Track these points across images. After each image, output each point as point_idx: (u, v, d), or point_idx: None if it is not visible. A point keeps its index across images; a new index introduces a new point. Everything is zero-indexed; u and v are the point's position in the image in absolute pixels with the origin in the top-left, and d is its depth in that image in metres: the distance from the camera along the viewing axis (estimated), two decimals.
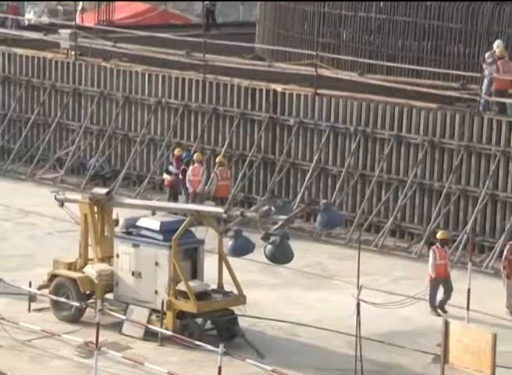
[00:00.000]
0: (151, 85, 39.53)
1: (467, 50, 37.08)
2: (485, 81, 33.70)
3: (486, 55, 34.08)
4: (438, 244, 28.08)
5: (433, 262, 27.66)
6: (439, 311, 27.59)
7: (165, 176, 36.45)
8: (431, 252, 28.01)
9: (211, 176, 36.01)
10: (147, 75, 39.77)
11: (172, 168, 36.32)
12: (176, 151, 36.64)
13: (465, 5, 37.47)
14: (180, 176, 36.12)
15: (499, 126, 32.71)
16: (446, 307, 27.57)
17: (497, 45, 33.89)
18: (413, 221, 34.36)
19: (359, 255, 22.70)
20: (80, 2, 49.03)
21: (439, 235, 28.43)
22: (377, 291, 27.05)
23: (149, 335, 25.79)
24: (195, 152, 36.66)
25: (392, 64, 37.18)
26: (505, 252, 28.07)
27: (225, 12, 56.76)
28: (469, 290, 25.74)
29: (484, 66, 33.91)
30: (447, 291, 27.65)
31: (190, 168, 35.72)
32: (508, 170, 32.60)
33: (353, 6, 39.94)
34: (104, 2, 48.79)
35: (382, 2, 39.58)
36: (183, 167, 36.34)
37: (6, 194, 38.50)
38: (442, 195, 33.50)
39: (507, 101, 33.50)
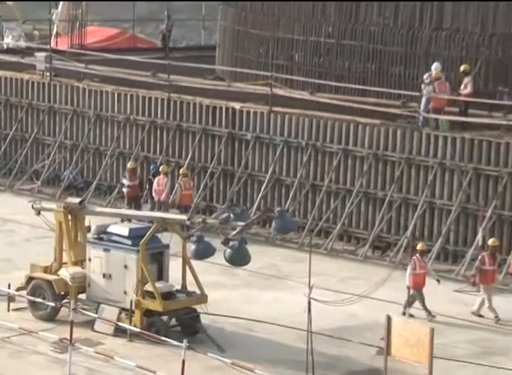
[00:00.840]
0: (120, 103, 39.48)
1: (407, 71, 37.20)
2: (424, 100, 33.85)
3: (424, 76, 34.27)
4: (417, 254, 27.86)
5: (411, 272, 27.45)
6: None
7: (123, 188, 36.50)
8: (411, 262, 27.79)
9: (176, 187, 36.04)
10: (116, 94, 39.70)
11: (124, 181, 36.28)
12: (129, 165, 36.61)
13: (405, 31, 37.62)
14: (147, 186, 36.18)
15: (436, 140, 32.88)
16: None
17: (434, 67, 34.07)
18: (359, 226, 34.44)
19: (310, 257, 22.79)
20: (55, 27, 48.76)
21: (419, 246, 28.26)
22: (326, 290, 27.06)
23: (119, 332, 25.71)
24: (161, 164, 36.61)
25: (339, 84, 37.27)
26: (477, 263, 28.01)
27: (188, 37, 56.78)
28: (408, 288, 25.92)
29: (422, 86, 34.04)
30: (421, 296, 27.54)
31: (156, 179, 35.67)
32: (444, 180, 32.80)
33: (305, 31, 39.96)
34: (77, 27, 48.72)
35: (330, 27, 39.62)
36: (149, 178, 36.39)
37: None
38: (385, 203, 33.63)
39: (443, 118, 33.68)
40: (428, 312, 27.45)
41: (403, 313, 27.16)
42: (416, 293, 27.35)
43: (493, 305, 27.40)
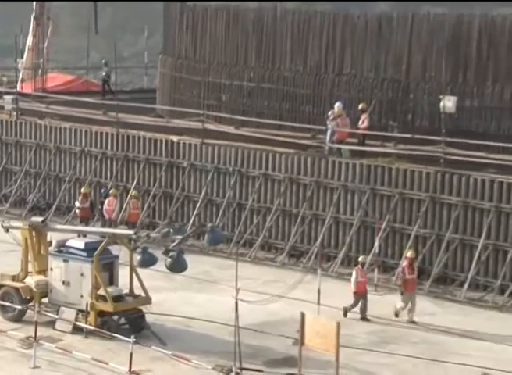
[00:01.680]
0: (77, 137, 39.17)
1: (315, 109, 37.38)
2: (329, 133, 34.03)
3: (329, 113, 34.44)
4: (359, 265, 27.82)
5: (355, 280, 27.42)
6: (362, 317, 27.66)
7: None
8: (353, 272, 27.74)
9: (125, 206, 35.93)
10: (73, 130, 39.38)
11: (77, 203, 35.93)
12: (82, 190, 36.29)
13: (313, 75, 37.83)
14: (99, 207, 36.00)
15: (340, 166, 33.07)
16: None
17: (337, 106, 34.25)
18: (277, 238, 34.44)
19: (237, 264, 22.65)
20: (20, 74, 48.39)
21: (360, 259, 28.25)
22: (251, 292, 26.96)
23: (76, 330, 25.54)
24: (111, 188, 36.43)
25: (260, 120, 37.29)
26: (400, 274, 27.94)
27: (133, 81, 56.57)
28: (319, 289, 25.93)
29: (327, 121, 34.21)
30: (364, 302, 27.52)
31: (107, 200, 35.45)
32: (346, 199, 32.96)
33: (230, 76, 40.07)
34: (39, 74, 48.42)
35: (251, 73, 39.77)
36: (101, 200, 36.20)
37: None
38: (299, 218, 33.66)
39: (345, 147, 33.88)
40: (345, 312, 27.53)
41: (345, 314, 27.53)
42: (359, 298, 27.41)
43: (414, 308, 27.39)
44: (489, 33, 34.97)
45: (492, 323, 27.87)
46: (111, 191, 35.90)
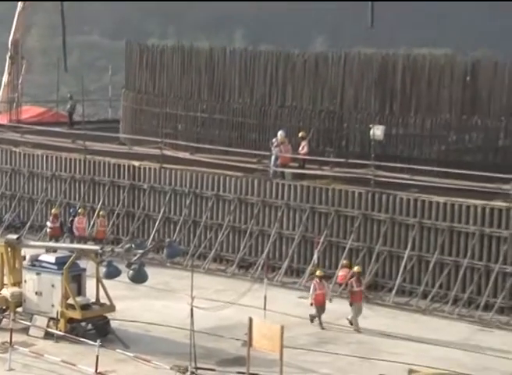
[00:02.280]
0: (48, 163, 38.90)
1: (261, 137, 37.43)
2: (273, 158, 34.09)
3: (273, 140, 34.51)
4: (317, 279, 27.48)
5: (313, 293, 27.18)
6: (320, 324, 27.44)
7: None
8: (312, 285, 27.50)
9: (92, 224, 35.71)
10: (44, 156, 39.06)
11: (48, 223, 35.50)
12: (52, 211, 35.87)
13: (259, 107, 37.90)
14: (69, 225, 35.73)
15: (283, 187, 33.14)
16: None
17: (280, 134, 34.29)
18: (228, 251, 34.37)
19: (192, 275, 22.69)
20: None
21: (317, 273, 27.94)
22: (205, 300, 26.83)
23: (48, 335, 25.29)
24: (79, 208, 36.20)
25: (212, 147, 37.30)
26: (349, 287, 27.60)
27: (99, 113, 56.41)
28: (265, 297, 25.95)
29: (272, 147, 34.29)
30: (321, 311, 27.30)
31: (76, 218, 35.19)
32: (289, 216, 33.03)
33: (186, 108, 40.07)
34: (14, 107, 48.15)
35: (204, 105, 39.79)
36: (71, 218, 35.92)
37: None
38: (247, 234, 33.69)
39: (287, 170, 33.95)
40: (312, 319, 27.41)
41: (312, 320, 27.46)
42: (317, 308, 27.20)
43: (356, 317, 27.18)
44: (412, 70, 35.33)
45: (416, 324, 28.09)
46: (80, 210, 35.65)
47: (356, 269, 28.09)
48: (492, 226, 29.31)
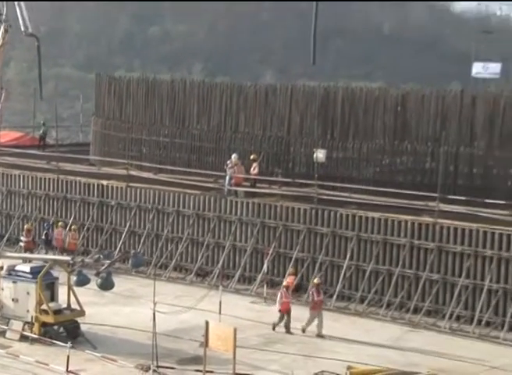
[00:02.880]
0: (24, 182, 38.50)
1: (217, 159, 37.44)
2: (227, 178, 34.09)
3: (228, 162, 34.48)
4: (283, 288, 27.24)
5: (280, 301, 26.95)
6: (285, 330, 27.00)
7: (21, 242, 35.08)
8: (279, 294, 27.22)
9: (64, 237, 35.24)
10: (21, 176, 38.68)
11: (22, 238, 34.79)
12: (26, 226, 35.28)
13: (215, 132, 37.98)
14: (43, 237, 35.33)
15: (236, 204, 33.13)
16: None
17: (233, 157, 34.27)
18: (187, 261, 34.20)
19: (154, 283, 22.71)
20: None
21: (284, 283, 27.79)
22: (166, 305, 26.67)
23: (23, 338, 24.99)
24: (53, 223, 35.90)
25: (173, 168, 37.22)
26: (310, 297, 27.26)
27: (71, 137, 56.00)
28: (220, 302, 25.84)
29: (226, 169, 34.28)
30: (288, 318, 26.97)
31: (56, 231, 34.90)
32: (242, 230, 33.01)
33: (149, 133, 39.98)
34: None
35: (166, 130, 39.73)
36: (45, 232, 35.54)
37: None
38: (204, 245, 33.60)
39: (240, 189, 33.93)
40: (288, 329, 26.96)
41: (273, 328, 27.11)
42: (283, 315, 26.91)
43: (321, 324, 26.81)
44: (350, 100, 35.61)
45: (354, 326, 28.17)
46: (60, 224, 35.35)
47: (316, 280, 27.79)
48: (420, 239, 29.50)
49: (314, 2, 40.29)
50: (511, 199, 30.41)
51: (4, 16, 36.07)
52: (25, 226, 35.43)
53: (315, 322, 26.86)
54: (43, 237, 35.55)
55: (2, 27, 36.02)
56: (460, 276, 28.67)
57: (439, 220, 29.26)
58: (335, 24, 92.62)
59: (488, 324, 27.85)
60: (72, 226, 35.53)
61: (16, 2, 41.69)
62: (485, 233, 28.38)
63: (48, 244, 35.18)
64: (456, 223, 29.01)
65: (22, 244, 34.69)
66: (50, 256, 29.69)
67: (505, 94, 34.20)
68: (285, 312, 27.05)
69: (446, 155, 32.50)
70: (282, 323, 27.08)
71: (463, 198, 30.50)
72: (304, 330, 26.94)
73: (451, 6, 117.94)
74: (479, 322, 27.89)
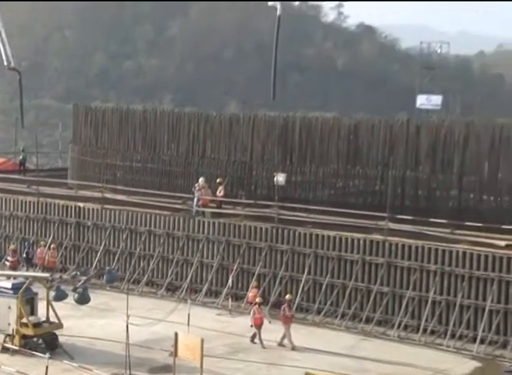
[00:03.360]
0: (6, 204, 38.01)
1: (185, 183, 37.36)
2: (195, 200, 33.96)
3: (195, 185, 34.37)
4: (256, 305, 26.89)
5: (253, 316, 26.55)
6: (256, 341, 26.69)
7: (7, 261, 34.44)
8: (252, 310, 26.80)
9: (45, 255, 34.75)
10: (3, 199, 38.17)
11: (9, 257, 34.19)
12: (11, 247, 34.86)
13: (184, 158, 37.93)
14: (24, 256, 34.79)
15: (203, 223, 32.96)
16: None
17: (201, 180, 34.21)
18: (158, 277, 33.91)
19: (127, 297, 22.53)
20: None
21: (257, 300, 27.31)
22: (138, 317, 26.43)
23: (4, 350, 24.63)
24: (33, 242, 35.52)
25: (145, 190, 36.88)
26: (281, 312, 26.84)
27: (50, 163, 55.54)
28: (189, 314, 25.64)
29: (194, 191, 34.18)
30: (259, 331, 26.59)
31: (39, 250, 34.45)
32: (209, 247, 32.81)
33: (123, 158, 39.75)
34: None
35: (139, 156, 39.59)
36: (26, 250, 35.05)
37: None
38: (174, 262, 33.37)
39: (207, 210, 33.81)
40: (261, 342, 26.56)
41: (252, 340, 26.69)
42: (257, 329, 26.59)
43: (291, 337, 26.46)
44: (307, 129, 35.80)
45: (312, 336, 28.09)
46: (42, 243, 34.92)
47: (287, 297, 27.60)
48: (371, 255, 29.58)
49: (275, 41, 40.70)
50: (452, 218, 30.74)
51: None
52: (10, 247, 34.98)
53: (281, 333, 26.70)
54: (23, 255, 35.08)
55: None
56: (407, 288, 28.77)
57: (388, 238, 29.39)
58: (293, 59, 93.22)
59: (432, 333, 27.98)
60: (52, 245, 35.08)
61: None
62: (429, 249, 28.55)
63: (29, 262, 34.68)
64: (404, 240, 29.15)
65: (8, 263, 34.11)
66: (30, 273, 29.22)
67: (446, 124, 34.76)
68: (257, 327, 26.72)
69: (394, 179, 32.71)
70: (257, 338, 26.74)
71: (409, 217, 30.59)
72: (280, 344, 26.62)
73: (397, 45, 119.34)
74: (425, 330, 28.00)
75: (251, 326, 26.84)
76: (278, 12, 41.82)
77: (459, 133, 33.08)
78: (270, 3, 42.86)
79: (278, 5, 41.64)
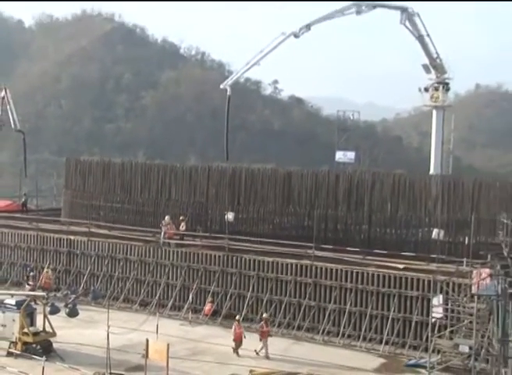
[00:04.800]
0: (12, 237, 37.07)
1: (155, 220, 36.59)
2: (162, 233, 33.48)
3: (162, 221, 33.80)
4: (236, 322, 26.15)
5: (234, 331, 25.82)
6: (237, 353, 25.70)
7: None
8: (233, 326, 26.01)
9: (42, 277, 33.86)
10: (10, 233, 37.31)
11: (30, 282, 32.90)
12: (32, 274, 33.52)
13: (153, 200, 37.58)
14: (25, 279, 33.97)
15: (169, 252, 32.69)
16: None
17: (167, 218, 33.90)
18: (133, 294, 33.44)
19: (108, 311, 22.45)
20: None
21: (237, 317, 26.66)
22: (117, 327, 26.08)
23: (9, 354, 24.10)
24: (33, 267, 34.75)
25: (122, 226, 36.41)
26: (260, 328, 26.07)
27: (47, 204, 54.37)
28: (157, 325, 25.36)
29: (162, 226, 33.74)
30: (238, 345, 25.82)
31: (45, 274, 33.66)
32: (173, 271, 32.51)
33: (105, 200, 39.20)
34: None
35: (118, 198, 39.21)
36: (27, 274, 34.10)
37: None
38: (145, 283, 33.00)
39: (172, 241, 33.28)
40: (237, 353, 25.66)
41: (237, 353, 25.68)
42: (236, 344, 25.78)
43: (267, 348, 25.66)
44: (251, 177, 35.99)
45: (256, 341, 27.17)
46: (48, 270, 34.05)
47: (264, 315, 26.92)
48: (301, 276, 29.72)
49: (226, 114, 41.17)
50: (363, 247, 31.23)
51: None
52: (30, 274, 33.89)
53: (260, 345, 25.92)
54: (25, 277, 34.39)
55: None
56: (329, 302, 28.97)
57: (315, 263, 29.56)
58: (240, 123, 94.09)
59: (349, 336, 28.19)
60: (47, 270, 34.46)
61: (8, 107, 41.39)
62: (346, 271, 28.83)
63: (31, 282, 33.78)
64: (327, 264, 29.36)
65: (28, 287, 32.73)
66: (30, 292, 28.66)
67: (357, 174, 35.33)
68: (237, 340, 25.90)
69: (319, 216, 33.04)
70: (239, 348, 25.90)
71: (331, 246, 30.88)
72: (258, 353, 25.76)
73: (320, 112, 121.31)
74: (343, 335, 28.17)
75: (233, 340, 25.82)
76: (228, 93, 42.52)
77: (367, 180, 33.73)
78: (221, 86, 43.38)
79: (228, 87, 42.44)
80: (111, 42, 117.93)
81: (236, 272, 31.09)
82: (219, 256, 31.60)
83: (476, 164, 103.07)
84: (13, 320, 24.72)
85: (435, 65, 48.42)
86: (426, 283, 26.90)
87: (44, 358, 21.62)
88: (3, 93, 43.77)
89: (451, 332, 24.17)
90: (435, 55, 48.06)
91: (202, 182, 36.98)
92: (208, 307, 30.12)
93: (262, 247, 31.59)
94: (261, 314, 28.28)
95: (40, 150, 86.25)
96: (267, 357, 25.63)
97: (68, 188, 42.79)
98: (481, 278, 22.99)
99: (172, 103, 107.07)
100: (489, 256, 23.67)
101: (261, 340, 26.00)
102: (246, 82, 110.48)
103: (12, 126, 44.42)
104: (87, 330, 28.35)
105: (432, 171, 48.74)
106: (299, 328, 28.97)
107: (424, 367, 23.68)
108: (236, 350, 25.93)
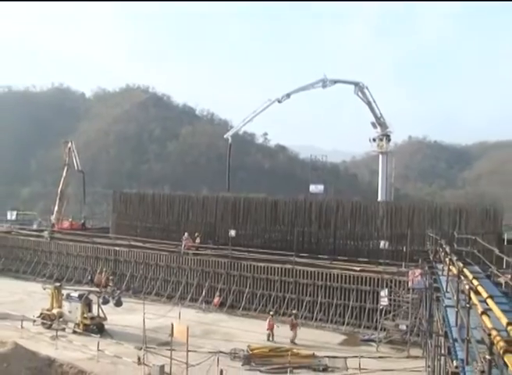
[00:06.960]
0: (75, 248, 37.15)
1: (177, 236, 35.98)
2: (183, 245, 33.29)
3: (183, 237, 33.70)
4: (270, 316, 24.35)
5: (268, 323, 23.94)
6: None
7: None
8: (268, 319, 24.18)
9: (97, 277, 33.54)
10: (73, 245, 37.44)
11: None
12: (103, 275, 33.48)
13: (177, 222, 37.33)
14: (89, 278, 34.14)
15: (188, 259, 32.37)
16: None
17: (186, 234, 33.52)
18: (161, 290, 32.90)
19: (143, 303, 23.23)
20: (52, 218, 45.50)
21: (271, 313, 25.07)
22: (151, 314, 25.80)
23: (74, 332, 23.96)
24: (94, 273, 34.72)
25: (154, 240, 36.08)
26: (290, 321, 24.22)
27: (100, 224, 54.14)
28: (180, 312, 25.09)
29: (182, 240, 33.52)
30: (271, 333, 23.97)
31: (96, 276, 33.43)
32: (191, 274, 32.04)
33: (142, 222, 38.92)
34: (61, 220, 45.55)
35: (151, 220, 38.93)
36: (89, 275, 34.14)
37: None
38: (171, 282, 32.61)
39: (190, 251, 33.05)
40: (272, 338, 24.01)
41: (272, 338, 24.15)
42: (270, 331, 24.02)
43: (296, 336, 23.94)
44: (247, 204, 35.40)
45: (252, 323, 27.40)
46: (103, 274, 33.60)
47: (294, 311, 25.79)
48: (285, 277, 29.49)
49: (227, 158, 41.48)
50: (330, 255, 31.21)
51: (66, 161, 36.67)
52: (98, 276, 33.76)
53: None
54: (88, 277, 34.49)
55: (66, 167, 36.57)
56: (306, 295, 28.80)
57: (295, 267, 29.46)
58: (239, 163, 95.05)
59: (320, 320, 27.96)
60: (100, 272, 34.34)
61: (73, 155, 42.19)
62: (318, 272, 28.75)
63: (92, 281, 33.79)
64: (304, 268, 29.24)
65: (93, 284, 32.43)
66: (88, 288, 28.78)
67: (325, 201, 35.30)
68: (270, 328, 24.51)
69: (298, 232, 33.04)
70: (271, 337, 24.33)
71: (306, 254, 30.85)
72: (291, 341, 23.93)
73: (298, 156, 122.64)
74: (316, 319, 27.73)
75: (267, 329, 24.34)
76: (230, 142, 43.45)
77: (333, 206, 33.68)
78: (225, 136, 44.37)
79: (229, 138, 43.46)
80: (146, 107, 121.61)
81: (237, 274, 30.92)
82: (224, 262, 31.44)
83: (410, 193, 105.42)
84: (76, 308, 24.98)
85: (379, 122, 49.61)
86: (376, 280, 27.05)
87: (98, 335, 21.98)
88: (69, 145, 45.00)
89: (394, 315, 24.53)
90: (379, 116, 49.30)
91: (211, 207, 36.73)
92: (216, 299, 30.13)
93: (256, 255, 31.50)
94: (291, 311, 26.90)
95: (95, 185, 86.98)
96: (292, 341, 23.87)
97: (114, 212, 42.77)
98: (415, 276, 23.43)
99: (189, 150, 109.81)
100: (420, 260, 24.19)
101: (291, 329, 24.51)
102: (243, 134, 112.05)
103: (76, 168, 45.49)
104: (128, 316, 28.04)
105: (379, 198, 49.37)
106: (283, 315, 28.62)
107: (374, 341, 23.96)
108: (270, 336, 24.28)
